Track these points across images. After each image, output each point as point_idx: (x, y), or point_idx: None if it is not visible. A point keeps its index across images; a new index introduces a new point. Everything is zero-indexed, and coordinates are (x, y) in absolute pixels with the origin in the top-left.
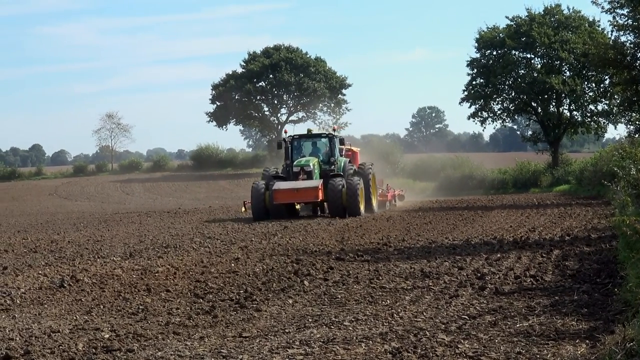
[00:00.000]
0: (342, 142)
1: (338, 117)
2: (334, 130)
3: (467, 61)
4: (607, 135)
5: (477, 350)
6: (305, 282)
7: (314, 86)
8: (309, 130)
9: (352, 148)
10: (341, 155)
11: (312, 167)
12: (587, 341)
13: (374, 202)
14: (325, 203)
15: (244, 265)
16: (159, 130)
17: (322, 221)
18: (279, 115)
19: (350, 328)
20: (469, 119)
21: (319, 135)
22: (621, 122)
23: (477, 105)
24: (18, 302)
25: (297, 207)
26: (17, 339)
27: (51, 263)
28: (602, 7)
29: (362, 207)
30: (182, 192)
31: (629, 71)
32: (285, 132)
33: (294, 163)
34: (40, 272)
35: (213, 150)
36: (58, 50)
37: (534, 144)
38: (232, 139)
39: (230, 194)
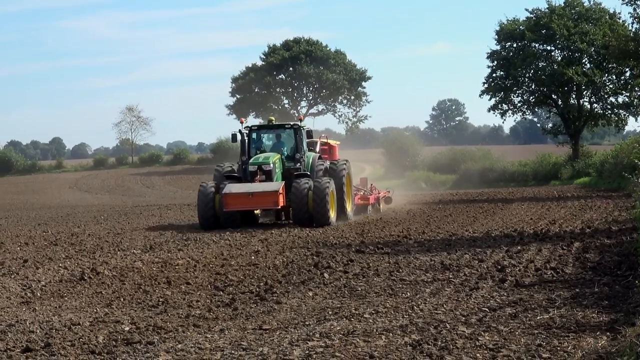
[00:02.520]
0: (309, 134)
1: (358, 109)
2: (300, 120)
3: (487, 53)
4: (627, 128)
5: (498, 342)
6: (326, 275)
7: (334, 78)
8: (269, 120)
9: (329, 141)
10: (312, 150)
11: (272, 165)
12: (608, 333)
13: (349, 207)
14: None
15: (264, 258)
16: (179, 124)
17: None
18: (298, 107)
19: (371, 320)
20: (489, 111)
21: (282, 127)
22: None
23: (498, 98)
24: (39, 294)
25: (257, 212)
26: (38, 331)
27: (71, 256)
28: None
29: (332, 214)
30: None
31: None
32: (242, 121)
33: (250, 161)
34: (60, 265)
35: (233, 143)
36: (79, 44)
37: (554, 137)
38: None
39: None
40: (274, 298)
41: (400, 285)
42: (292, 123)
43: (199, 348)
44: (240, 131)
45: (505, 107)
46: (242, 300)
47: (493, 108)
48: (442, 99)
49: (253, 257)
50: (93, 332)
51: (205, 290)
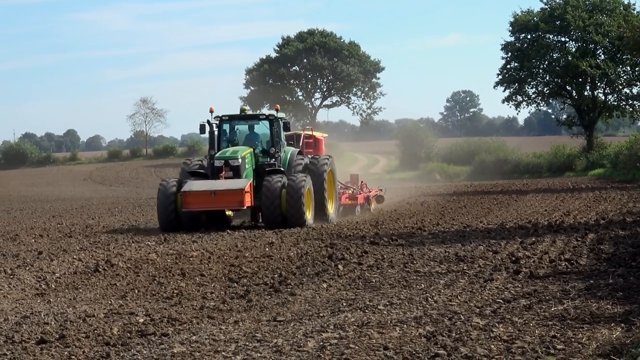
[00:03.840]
0: (286, 126)
1: (372, 101)
2: (277, 110)
3: (502, 45)
4: None
5: (512, 334)
6: (340, 266)
7: (348, 70)
8: (242, 110)
9: (315, 134)
10: (292, 145)
11: (240, 160)
12: (623, 325)
13: (330, 208)
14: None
15: (278, 250)
16: (193, 116)
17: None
18: (313, 99)
19: (385, 312)
20: (503, 102)
21: (256, 117)
22: None
23: (512, 89)
24: (53, 286)
25: (229, 213)
26: (52, 323)
27: (86, 248)
28: None
29: (309, 215)
30: None
31: None
32: (211, 110)
33: (216, 155)
34: (75, 256)
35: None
36: (93, 36)
37: (568, 128)
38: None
39: None
40: (288, 290)
41: (415, 277)
42: (267, 113)
43: (214, 340)
44: (209, 122)
45: (519, 98)
46: (257, 292)
47: (507, 99)
48: (456, 90)
49: (267, 249)
50: (107, 323)
51: (220, 282)
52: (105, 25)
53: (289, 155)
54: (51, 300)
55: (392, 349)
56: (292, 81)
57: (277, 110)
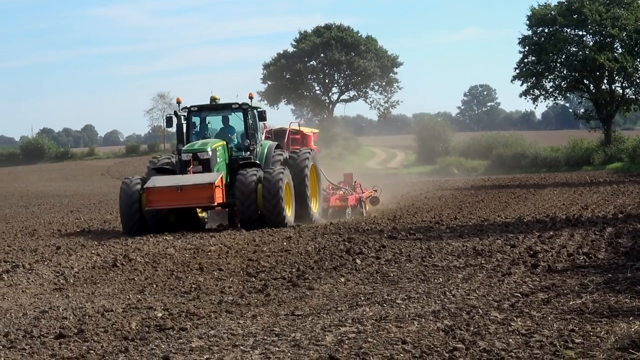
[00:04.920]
0: (262, 116)
1: (390, 95)
2: (250, 98)
3: (519, 39)
4: None
5: (530, 327)
6: (358, 261)
7: (365, 65)
8: (212, 99)
9: (303, 129)
10: (270, 139)
11: (210, 153)
12: None
13: (314, 206)
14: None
15: (296, 244)
16: None
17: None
18: (330, 94)
19: (403, 306)
20: (520, 96)
21: (229, 107)
22: None
23: (529, 83)
24: (71, 281)
25: (202, 214)
26: (71, 317)
27: (104, 243)
28: None
29: (288, 212)
30: None
31: None
32: (179, 101)
33: (183, 148)
34: (93, 251)
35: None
36: (110, 31)
37: (586, 122)
38: (284, 118)
39: None
40: (306, 284)
41: (433, 271)
42: (240, 102)
43: (232, 334)
44: (176, 113)
45: (537, 92)
46: (275, 286)
47: (525, 93)
48: (473, 84)
49: (285, 243)
50: (126, 318)
51: (238, 277)
52: (123, 21)
53: (266, 149)
54: (70, 295)
55: (410, 343)
56: (309, 76)
57: (250, 98)
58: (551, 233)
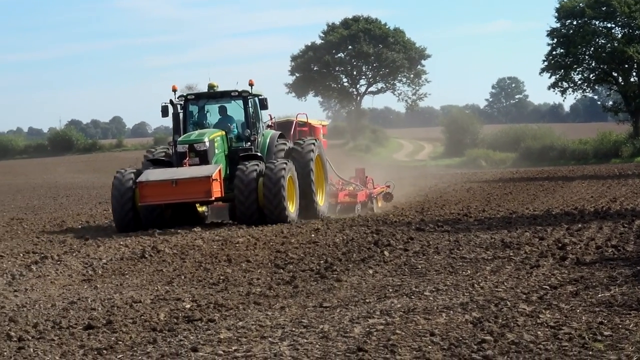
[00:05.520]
0: (263, 103)
1: (417, 88)
2: (251, 85)
3: (547, 31)
4: None
5: (559, 320)
6: (386, 253)
7: (393, 57)
8: (210, 86)
9: (311, 121)
10: (272, 128)
11: (207, 144)
12: None
13: (320, 200)
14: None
15: (324, 236)
16: None
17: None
18: (358, 86)
19: (431, 298)
20: (549, 89)
21: (228, 95)
22: None
23: (558, 76)
24: (100, 272)
25: (202, 209)
26: (99, 309)
27: (132, 234)
28: None
29: (291, 208)
30: None
31: None
32: (174, 89)
33: (179, 139)
34: (121, 243)
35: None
36: (139, 23)
37: (614, 114)
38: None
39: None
40: (334, 276)
41: (461, 263)
42: (239, 90)
43: (260, 325)
44: (172, 102)
45: (565, 85)
46: (303, 278)
47: (553, 86)
48: (501, 77)
49: (313, 235)
50: (154, 309)
51: (266, 268)
52: (152, 12)
53: (268, 139)
54: (98, 286)
55: (439, 335)
56: (337, 68)
57: (251, 85)
58: (580, 225)
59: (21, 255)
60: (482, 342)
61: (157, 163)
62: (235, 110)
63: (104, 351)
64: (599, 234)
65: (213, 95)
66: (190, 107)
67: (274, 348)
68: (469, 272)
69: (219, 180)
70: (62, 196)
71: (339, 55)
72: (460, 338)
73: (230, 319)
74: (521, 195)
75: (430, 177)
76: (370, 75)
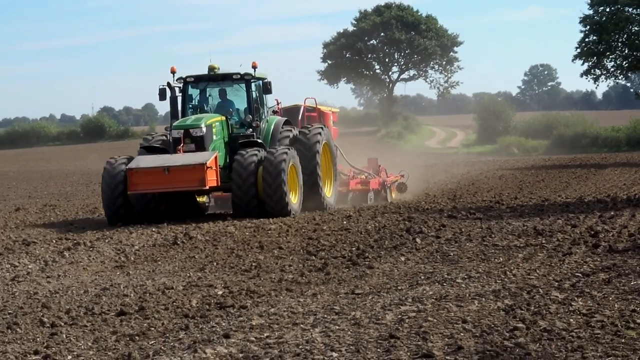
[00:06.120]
0: (267, 87)
1: (449, 75)
2: (254, 67)
3: (580, 18)
4: None
5: (591, 307)
6: (418, 240)
7: (425, 44)
8: (211, 68)
9: (321, 107)
10: (277, 114)
11: (204, 129)
12: None
13: (327, 190)
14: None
15: (356, 223)
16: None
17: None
18: (390, 73)
19: (463, 285)
20: (581, 76)
21: (229, 77)
22: None
23: (590, 63)
24: (132, 259)
25: (202, 199)
26: (132, 295)
27: (165, 220)
28: None
29: (293, 199)
30: None
31: None
32: (173, 71)
33: (174, 124)
34: (153, 229)
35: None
36: (171, 10)
37: None
38: (343, 97)
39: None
40: (366, 263)
41: (493, 251)
42: (241, 73)
43: (292, 312)
44: (169, 85)
45: (598, 72)
46: (335, 265)
47: (586, 73)
48: (534, 64)
49: (345, 222)
50: (186, 296)
51: (298, 255)
52: (182, 0)
53: (272, 126)
54: (130, 272)
55: (471, 322)
56: (369, 55)
57: (254, 67)
58: (612, 213)
59: (54, 241)
60: (514, 330)
61: (152, 150)
62: (239, 94)
63: (136, 337)
64: (632, 221)
65: (214, 77)
66: (190, 90)
67: (305, 335)
68: (501, 259)
69: (214, 168)
70: (95, 183)
71: (371, 42)
72: (492, 325)
73: (262, 305)
74: (553, 183)
75: (462, 164)
76: (402, 62)
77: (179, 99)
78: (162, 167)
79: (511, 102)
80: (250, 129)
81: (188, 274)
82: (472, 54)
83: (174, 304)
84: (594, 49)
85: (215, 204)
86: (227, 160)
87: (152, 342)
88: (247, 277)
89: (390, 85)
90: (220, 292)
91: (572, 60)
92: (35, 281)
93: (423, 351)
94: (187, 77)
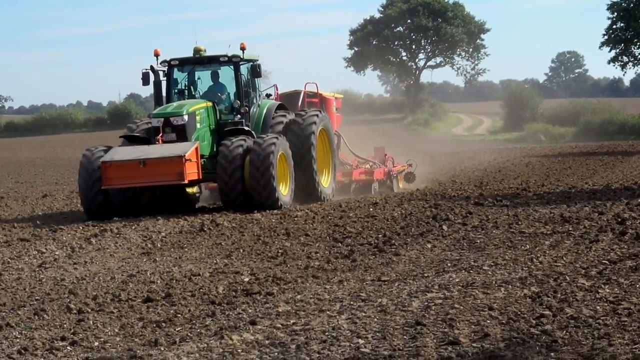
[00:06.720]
0: (256, 70)
1: (476, 62)
2: (242, 49)
3: (607, 5)
4: None
5: (618, 295)
6: (444, 227)
7: (452, 31)
8: (196, 50)
9: (323, 93)
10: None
11: (186, 118)
12: None
13: (324, 181)
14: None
15: (382, 210)
16: (298, 76)
17: None
18: (416, 60)
19: (490, 272)
20: (609, 63)
21: (216, 60)
22: None
23: (618, 50)
24: (159, 245)
25: (192, 190)
26: (158, 282)
27: (191, 207)
28: None
29: (283, 191)
30: None
31: None
32: (156, 53)
33: (154, 112)
34: (180, 216)
35: (351, 96)
36: None
37: None
38: (370, 84)
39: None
40: (393, 250)
41: (520, 238)
42: (229, 55)
43: (318, 299)
44: (153, 68)
45: (625, 59)
46: (361, 252)
47: (613, 60)
48: (561, 51)
49: (371, 209)
50: (213, 282)
51: (324, 242)
52: None
53: (264, 111)
54: (157, 259)
55: (497, 310)
56: (396, 42)
57: (242, 49)
58: (639, 200)
59: (81, 228)
60: (541, 317)
61: (133, 140)
62: (227, 78)
63: (163, 324)
64: None
65: (199, 60)
66: (175, 74)
67: (332, 322)
68: (528, 246)
69: (194, 160)
70: None
71: (398, 29)
72: (519, 312)
73: (288, 292)
74: (580, 170)
75: (489, 151)
76: (429, 50)
77: (164, 84)
78: (138, 159)
79: (538, 89)
80: (239, 115)
81: (214, 261)
82: (499, 40)
83: (201, 290)
84: (622, 35)
85: (210, 195)
86: (215, 149)
87: (179, 328)
88: (274, 264)
89: (417, 73)
90: (246, 279)
91: (600, 47)
92: (62, 268)
93: (449, 338)
94: (171, 60)
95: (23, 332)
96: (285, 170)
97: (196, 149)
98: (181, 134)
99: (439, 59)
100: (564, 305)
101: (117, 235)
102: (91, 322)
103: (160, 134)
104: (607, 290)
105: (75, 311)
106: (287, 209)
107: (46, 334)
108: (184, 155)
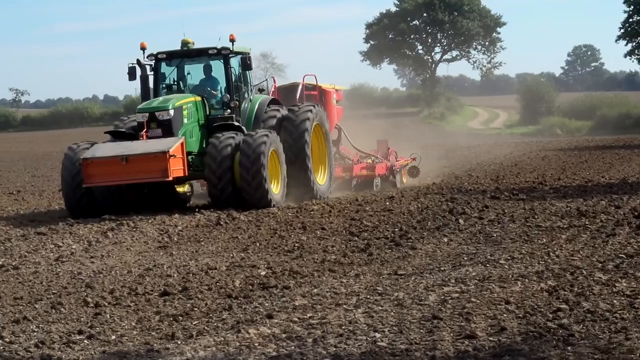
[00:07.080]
0: (246, 63)
1: (492, 56)
2: (232, 41)
3: None
4: None
5: (635, 289)
6: (461, 221)
7: (468, 25)
8: (184, 43)
9: (322, 85)
10: (265, 92)
11: (172, 113)
12: None
13: (320, 178)
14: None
15: (399, 204)
16: (313, 69)
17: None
18: (432, 54)
19: (506, 266)
20: (625, 57)
21: (205, 53)
22: None
23: (634, 43)
24: (175, 239)
25: (182, 189)
26: (175, 275)
27: (208, 201)
28: None
29: (275, 189)
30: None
31: None
32: (143, 47)
33: (139, 107)
34: (197, 210)
35: (367, 90)
36: None
37: None
38: (386, 78)
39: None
40: (409, 244)
41: (536, 232)
42: (218, 47)
43: (335, 292)
44: (139, 62)
45: None
46: (377, 246)
47: (630, 54)
48: (577, 44)
49: (387, 203)
50: (229, 276)
51: (340, 236)
52: None
53: (256, 106)
54: (173, 252)
55: (514, 303)
56: (412, 36)
57: (232, 41)
58: None
59: (97, 221)
60: (558, 311)
61: (118, 136)
62: (218, 71)
63: (180, 317)
64: None
65: (188, 53)
66: (163, 69)
67: (348, 315)
68: (545, 240)
69: (180, 156)
70: None
71: (414, 23)
72: (536, 306)
73: (305, 286)
74: (597, 164)
75: (505, 145)
76: (445, 43)
77: (151, 79)
78: (119, 156)
79: (554, 82)
80: (229, 110)
81: (231, 255)
82: (515, 34)
83: (217, 284)
84: (638, 29)
85: (203, 191)
86: (204, 146)
87: (196, 322)
88: (290, 258)
89: (433, 66)
90: (263, 273)
91: (616, 40)
92: (79, 261)
93: (466, 332)
94: (158, 53)
95: (40, 325)
96: (277, 168)
97: (182, 144)
98: (167, 129)
99: (455, 53)
100: (581, 299)
101: (134, 229)
102: (108, 316)
103: (145, 130)
104: (624, 284)
105: (92, 305)
106: (304, 203)
107: (63, 328)
108: (168, 151)
